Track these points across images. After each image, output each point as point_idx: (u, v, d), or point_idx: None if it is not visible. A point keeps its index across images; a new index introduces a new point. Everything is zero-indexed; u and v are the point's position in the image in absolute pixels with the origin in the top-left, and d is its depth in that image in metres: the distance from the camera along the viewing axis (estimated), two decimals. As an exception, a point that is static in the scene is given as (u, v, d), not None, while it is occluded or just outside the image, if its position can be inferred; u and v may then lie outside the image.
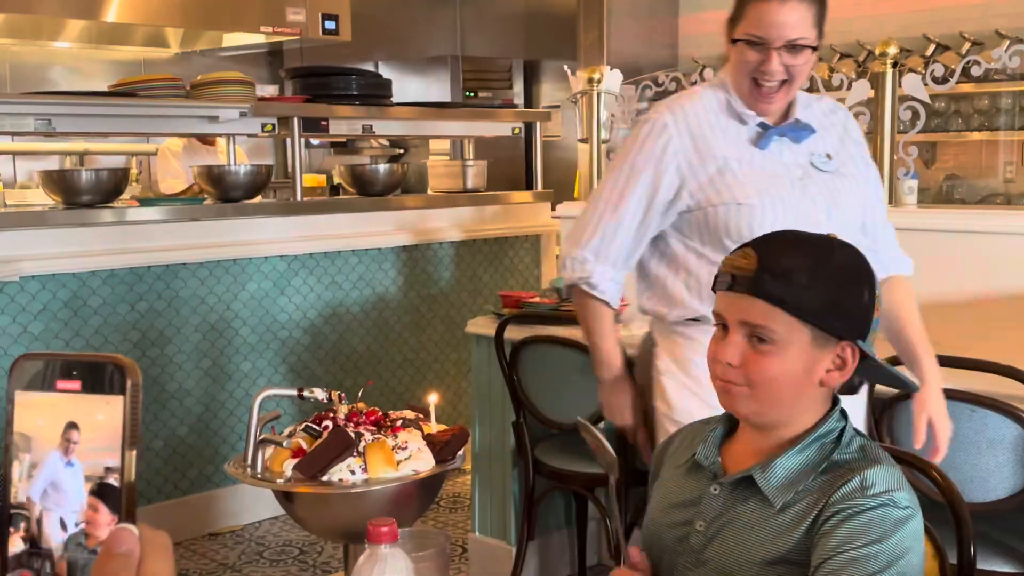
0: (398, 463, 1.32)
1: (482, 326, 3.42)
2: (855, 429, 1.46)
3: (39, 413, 0.63)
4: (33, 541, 0.65)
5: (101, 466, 0.63)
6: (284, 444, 1.30)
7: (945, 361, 2.36)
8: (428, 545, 1.22)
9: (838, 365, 1.42)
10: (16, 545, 0.64)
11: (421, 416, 1.47)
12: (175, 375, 4.01)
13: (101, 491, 0.63)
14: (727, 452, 1.50)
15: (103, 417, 0.63)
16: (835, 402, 1.47)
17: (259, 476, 1.32)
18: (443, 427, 1.43)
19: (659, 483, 1.60)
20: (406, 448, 1.33)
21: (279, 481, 1.29)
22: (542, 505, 3.34)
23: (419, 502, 1.37)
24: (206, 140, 5.36)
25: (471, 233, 4.78)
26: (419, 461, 1.33)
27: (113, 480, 0.63)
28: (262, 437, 1.32)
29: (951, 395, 2.31)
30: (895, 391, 2.38)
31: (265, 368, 4.25)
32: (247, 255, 4.11)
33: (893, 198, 3.04)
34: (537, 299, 3.40)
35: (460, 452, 1.39)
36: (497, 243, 4.95)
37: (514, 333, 3.19)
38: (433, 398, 1.40)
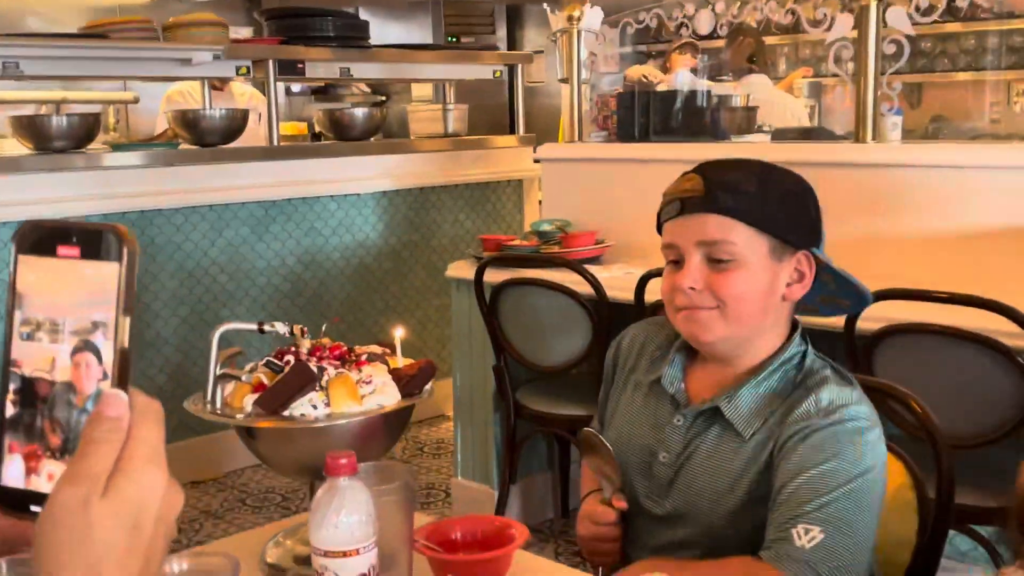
0: (362, 397, 1.28)
1: (462, 270, 3.37)
2: (817, 353, 1.43)
3: (38, 275, 0.64)
4: (23, 399, 0.65)
5: (88, 319, 0.64)
6: (243, 378, 1.26)
7: (929, 296, 2.33)
8: (391, 479, 1.19)
9: (796, 278, 1.40)
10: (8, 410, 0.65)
11: (387, 351, 1.43)
12: (152, 323, 3.96)
13: (88, 347, 0.64)
14: (691, 376, 1.48)
15: (97, 279, 0.64)
16: (795, 326, 1.45)
17: (219, 412, 1.28)
18: (409, 361, 1.38)
19: (617, 393, 1.56)
20: (370, 382, 1.29)
21: (238, 416, 1.25)
22: (524, 448, 3.32)
23: (384, 437, 1.33)
24: (214, 84, 5.12)
25: (453, 178, 4.72)
26: (384, 395, 1.29)
27: (101, 336, 0.64)
28: (221, 372, 1.28)
29: (936, 330, 2.29)
30: (878, 327, 2.35)
31: (244, 315, 4.20)
32: (224, 201, 4.05)
33: (876, 134, 2.99)
34: (518, 242, 3.35)
35: (428, 386, 1.35)
36: (479, 188, 4.89)
37: (494, 276, 3.15)
38: (399, 332, 1.36)
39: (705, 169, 1.40)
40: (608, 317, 2.94)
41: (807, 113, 5.26)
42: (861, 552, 1.27)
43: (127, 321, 0.64)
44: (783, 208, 1.37)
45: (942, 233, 2.83)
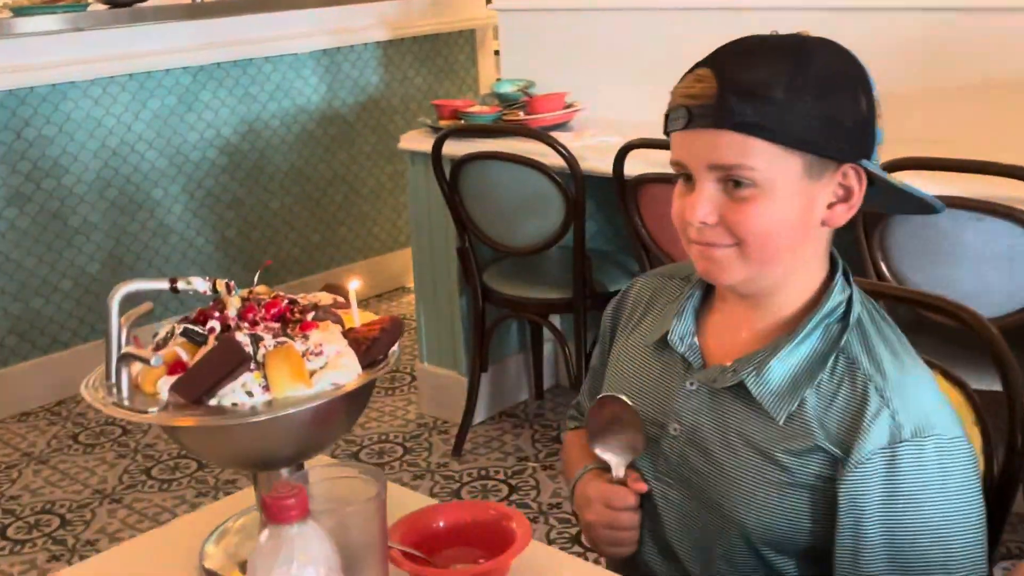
0: (311, 374, 0.99)
1: (417, 141, 3.03)
2: (864, 298, 1.15)
3: None
4: None
5: None
6: (152, 363, 0.96)
7: (945, 164, 2.06)
8: (355, 494, 0.91)
9: (842, 196, 1.08)
10: None
11: (340, 300, 1.13)
12: (77, 208, 3.59)
13: None
14: (706, 329, 1.19)
15: None
16: (834, 261, 1.15)
17: (124, 402, 0.99)
18: (369, 316, 1.09)
19: (617, 355, 1.28)
20: (321, 353, 1.00)
21: (152, 411, 0.96)
22: (494, 334, 3.08)
23: (341, 421, 1.06)
24: None
25: (398, 31, 4.29)
26: (339, 370, 1.00)
27: None
28: (124, 351, 0.98)
29: (953, 202, 2.03)
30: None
31: (179, 194, 3.84)
32: (145, 68, 3.62)
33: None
34: (476, 108, 3.00)
35: (393, 348, 1.06)
36: (428, 41, 4.47)
37: (453, 149, 2.82)
38: (355, 284, 1.07)
39: (721, 62, 1.06)
40: (582, 192, 2.64)
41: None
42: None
43: None
44: (822, 112, 1.03)
45: (954, 82, 2.54)
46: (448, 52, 4.56)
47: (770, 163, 1.03)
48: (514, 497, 2.83)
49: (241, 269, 4.05)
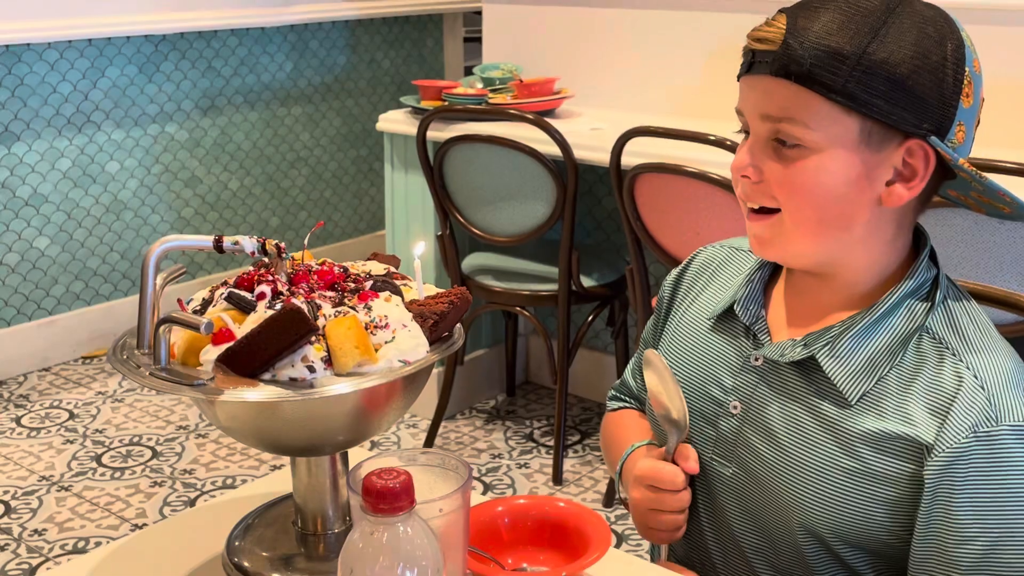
0: (376, 349, 0.88)
1: (398, 123, 2.91)
2: (951, 281, 1.06)
3: None
4: None
5: None
6: (202, 329, 0.84)
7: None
8: (437, 484, 0.81)
9: (904, 175, 0.99)
10: None
11: (393, 270, 1.03)
12: (27, 178, 3.40)
13: None
14: (774, 303, 1.10)
15: None
16: (918, 238, 1.06)
17: (165, 373, 0.87)
18: (432, 289, 0.99)
19: (675, 328, 1.19)
20: (386, 326, 0.90)
21: (197, 383, 0.85)
22: (471, 325, 2.97)
23: (402, 401, 0.95)
24: None
25: (367, 10, 4.16)
26: (406, 345, 0.89)
27: None
28: (167, 314, 0.86)
29: None
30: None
31: (135, 169, 3.66)
32: (104, 34, 3.44)
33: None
34: (461, 90, 2.89)
35: (458, 325, 0.96)
36: (398, 23, 4.35)
37: (436, 131, 2.71)
38: (419, 249, 0.96)
39: (798, 7, 0.99)
40: (575, 181, 2.56)
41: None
42: None
43: None
44: (892, 74, 0.94)
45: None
46: (417, 36, 4.44)
47: (823, 122, 0.95)
48: (488, 495, 2.73)
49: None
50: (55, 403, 3.25)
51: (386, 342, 0.90)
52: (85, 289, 3.60)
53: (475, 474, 2.83)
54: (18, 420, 3.14)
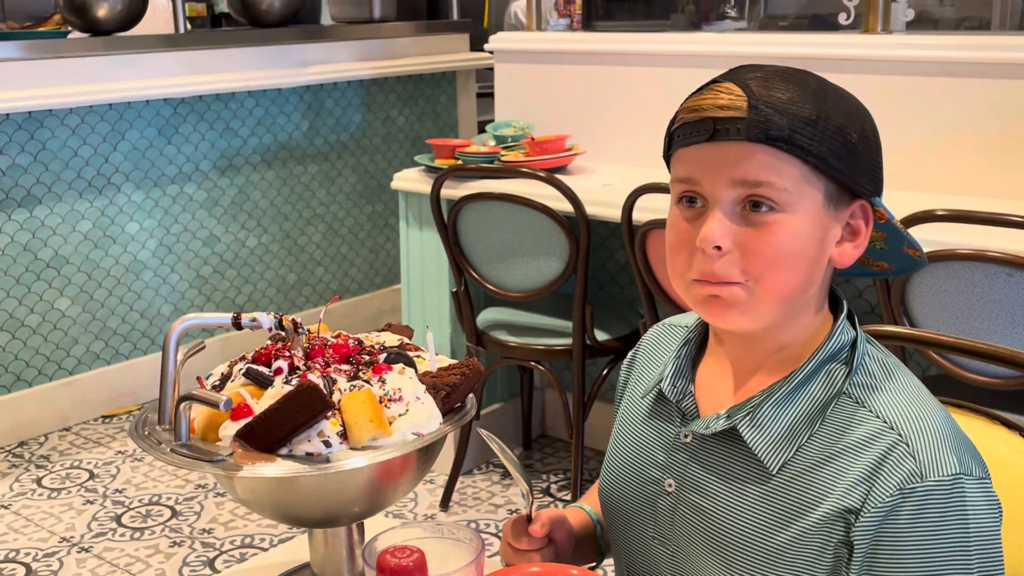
0: (390, 422, 0.90)
1: (413, 181, 2.96)
2: (870, 340, 1.05)
3: None
4: None
5: None
6: (221, 407, 0.87)
7: (970, 218, 2.03)
8: (456, 552, 0.83)
9: (848, 235, 1.01)
10: None
11: (407, 341, 1.05)
12: (49, 241, 3.45)
13: None
14: (702, 377, 1.10)
15: None
16: (834, 300, 1.06)
17: (185, 449, 0.90)
18: (445, 360, 1.01)
19: (622, 411, 1.19)
20: (400, 399, 0.92)
21: (217, 459, 0.87)
22: (487, 380, 2.99)
23: (416, 472, 0.96)
24: None
25: (381, 69, 4.23)
26: (419, 417, 0.91)
27: None
28: (187, 392, 0.89)
29: (988, 259, 1.99)
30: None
31: (155, 229, 3.72)
32: (125, 98, 3.51)
33: (884, 23, 2.65)
34: (474, 148, 2.94)
35: (470, 395, 0.98)
36: (411, 81, 4.42)
37: (450, 189, 2.75)
38: (430, 336, 0.98)
39: (745, 79, 0.98)
40: (588, 237, 2.59)
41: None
42: None
43: None
44: (846, 138, 0.97)
45: (966, 136, 2.53)
46: (430, 93, 4.51)
47: (798, 184, 0.96)
48: (507, 550, 2.72)
49: (214, 308, 3.92)
50: (75, 463, 3.28)
51: (400, 415, 0.92)
52: (105, 348, 3.64)
53: (492, 530, 2.82)
54: (39, 481, 3.16)
